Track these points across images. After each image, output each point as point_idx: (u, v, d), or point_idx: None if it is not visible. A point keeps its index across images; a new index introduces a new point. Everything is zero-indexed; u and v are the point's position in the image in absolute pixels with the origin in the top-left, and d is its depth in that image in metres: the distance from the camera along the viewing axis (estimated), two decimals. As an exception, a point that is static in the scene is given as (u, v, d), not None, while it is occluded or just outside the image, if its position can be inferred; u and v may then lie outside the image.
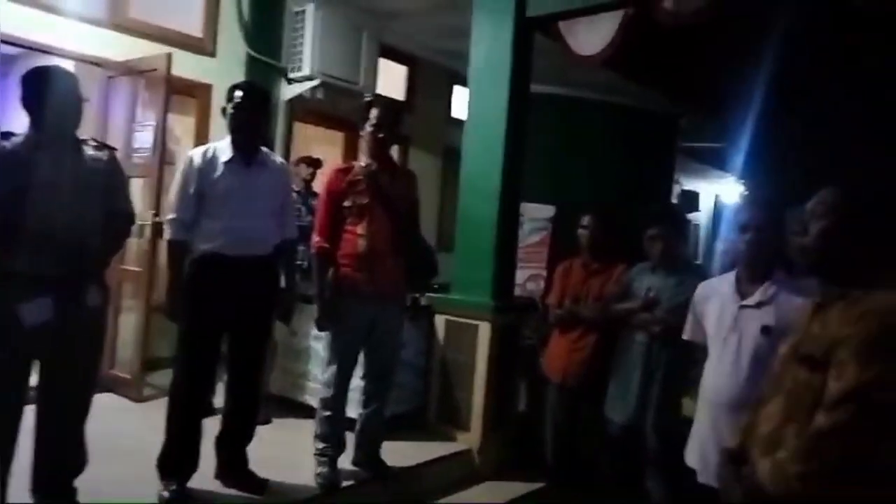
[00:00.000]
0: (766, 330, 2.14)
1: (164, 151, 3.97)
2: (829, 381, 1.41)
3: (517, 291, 5.70)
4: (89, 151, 2.36)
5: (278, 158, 2.95)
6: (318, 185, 4.31)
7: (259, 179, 2.76)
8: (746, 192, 6.91)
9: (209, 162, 2.71)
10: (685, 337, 2.52)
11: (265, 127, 2.85)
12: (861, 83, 5.02)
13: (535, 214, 6.46)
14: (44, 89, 2.23)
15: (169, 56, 3.91)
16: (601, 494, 3.24)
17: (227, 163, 2.71)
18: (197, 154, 2.74)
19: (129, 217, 2.55)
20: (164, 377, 3.45)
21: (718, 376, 2.24)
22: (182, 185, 2.69)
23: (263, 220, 2.75)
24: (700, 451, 2.25)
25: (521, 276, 6.18)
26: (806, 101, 5.45)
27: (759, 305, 2.20)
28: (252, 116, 2.74)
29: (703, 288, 2.47)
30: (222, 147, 2.75)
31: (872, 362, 1.36)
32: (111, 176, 2.42)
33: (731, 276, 2.35)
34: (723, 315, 2.28)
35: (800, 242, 1.58)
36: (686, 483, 2.38)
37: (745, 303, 2.23)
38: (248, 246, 2.68)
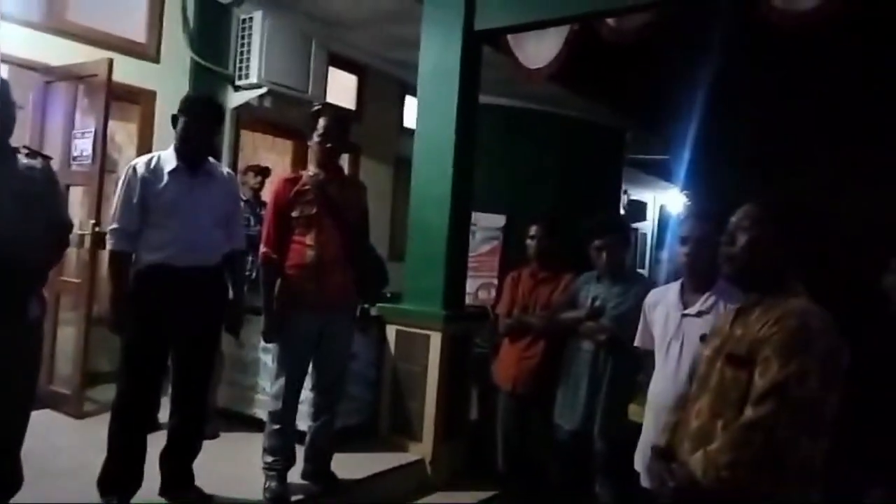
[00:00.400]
0: (704, 338, 2.22)
1: (105, 159, 3.85)
2: (755, 377, 1.53)
3: (469, 300, 5.77)
4: (23, 160, 2.27)
5: (224, 168, 2.91)
6: (267, 194, 4.27)
7: (205, 189, 2.72)
8: (689, 203, 7.15)
9: (153, 171, 2.65)
10: (636, 344, 2.60)
11: (213, 138, 2.79)
12: (797, 95, 5.28)
13: (487, 224, 6.54)
14: None
15: (110, 61, 3.80)
16: (552, 501, 3.28)
17: (171, 172, 2.66)
18: (140, 163, 2.68)
19: (67, 227, 2.47)
20: (105, 392, 3.34)
21: (662, 381, 2.34)
22: (125, 194, 2.62)
23: (210, 230, 2.71)
24: (640, 453, 2.32)
25: (472, 285, 6.24)
26: (743, 115, 5.69)
27: (699, 314, 2.31)
28: (204, 130, 2.70)
29: (652, 296, 2.55)
30: (166, 156, 2.70)
31: (791, 359, 1.48)
32: (46, 185, 2.34)
33: (677, 285, 2.45)
34: (667, 323, 2.37)
35: (727, 252, 1.70)
36: (634, 488, 2.44)
37: (686, 311, 2.34)
38: (194, 257, 2.63)
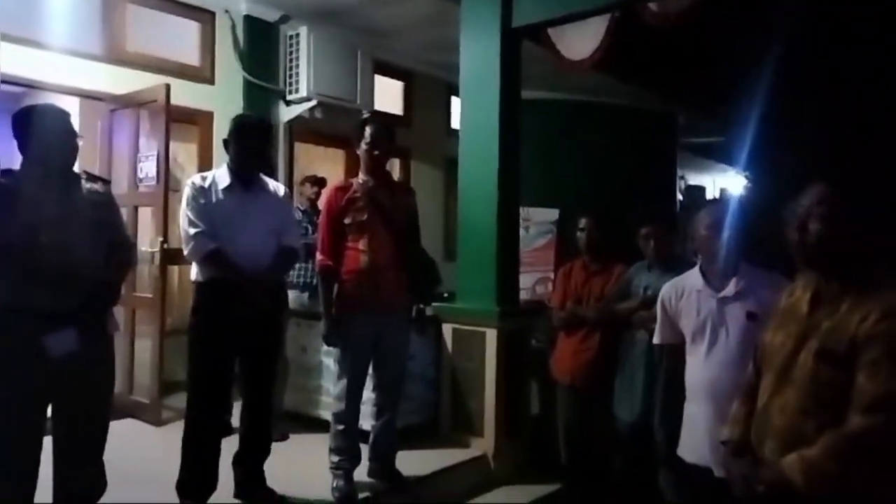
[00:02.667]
0: (751, 316, 2.21)
1: (169, 179, 4.06)
2: (861, 379, 1.43)
3: (527, 295, 5.78)
4: (85, 185, 2.41)
5: (275, 182, 3.02)
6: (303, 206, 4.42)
7: (258, 203, 2.84)
8: (749, 184, 6.92)
9: (209, 188, 2.79)
10: (655, 341, 2.56)
11: (265, 157, 2.93)
12: (855, 77, 5.04)
13: (540, 218, 6.52)
14: (34, 127, 2.28)
15: (167, 86, 4.01)
16: (615, 494, 3.26)
17: (226, 189, 2.80)
18: (197, 178, 2.84)
19: (130, 246, 2.61)
20: (181, 399, 3.51)
21: (714, 369, 2.26)
22: (192, 205, 2.76)
23: (265, 240, 2.81)
24: (708, 446, 2.24)
25: (529, 279, 6.24)
26: (802, 93, 5.47)
27: (737, 296, 2.27)
28: (254, 149, 2.84)
29: (670, 288, 2.49)
30: (220, 174, 2.84)
31: None
32: (108, 207, 2.48)
33: (695, 274, 2.40)
34: (701, 310, 2.32)
35: (799, 238, 1.59)
36: (690, 477, 2.40)
37: (723, 294, 2.28)
38: (252, 267, 2.73)
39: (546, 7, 3.75)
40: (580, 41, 3.85)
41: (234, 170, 2.83)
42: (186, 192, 2.79)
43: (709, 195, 12.09)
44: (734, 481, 1.68)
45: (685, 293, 2.40)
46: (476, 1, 3.94)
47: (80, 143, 2.44)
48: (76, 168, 2.45)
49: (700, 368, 2.31)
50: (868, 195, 1.57)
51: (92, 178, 2.50)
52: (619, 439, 3.14)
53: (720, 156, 9.53)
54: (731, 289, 2.28)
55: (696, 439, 2.32)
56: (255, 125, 2.93)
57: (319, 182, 4.62)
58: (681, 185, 10.10)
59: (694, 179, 11.47)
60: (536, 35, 3.97)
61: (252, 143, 2.83)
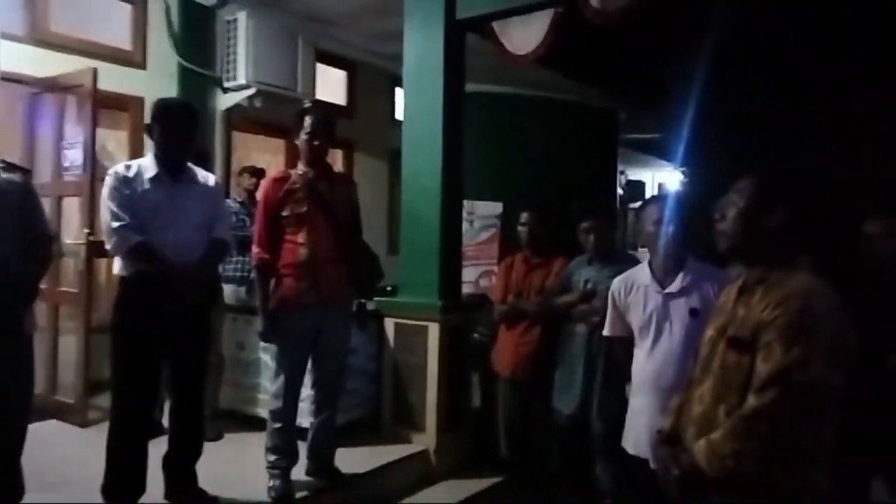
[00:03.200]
0: (694, 312, 2.27)
1: (96, 168, 3.86)
2: (758, 362, 1.48)
3: (470, 289, 5.79)
4: (2, 175, 2.27)
5: (205, 173, 2.89)
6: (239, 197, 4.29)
7: (188, 194, 2.72)
8: (686, 180, 7.13)
9: (134, 178, 2.65)
10: (605, 333, 2.60)
11: (193, 143, 2.78)
12: (787, 72, 5.23)
13: (484, 212, 6.54)
14: None
15: (94, 70, 3.80)
16: (554, 485, 3.30)
17: (152, 179, 2.66)
18: (120, 168, 2.68)
19: (50, 239, 2.46)
20: (109, 399, 3.36)
21: (657, 363, 2.32)
22: (115, 196, 2.60)
23: (194, 234, 2.70)
24: (644, 437, 2.30)
25: (473, 273, 6.26)
26: (738, 89, 5.64)
27: (682, 292, 2.33)
28: (180, 135, 2.68)
29: (620, 282, 2.54)
30: (146, 164, 2.70)
31: (794, 343, 1.43)
32: (26, 198, 2.34)
33: (644, 268, 2.46)
34: (647, 305, 2.38)
35: (719, 228, 1.66)
36: (632, 468, 2.45)
37: (668, 290, 2.35)
38: (180, 261, 2.61)
39: (489, 0, 3.73)
40: (524, 35, 3.86)
41: (160, 158, 2.69)
42: (108, 182, 2.63)
43: (648, 190, 12.41)
44: (658, 467, 1.73)
45: (634, 288, 2.45)
46: (419, -9, 3.90)
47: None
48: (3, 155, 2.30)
49: (645, 362, 2.36)
50: (787, 189, 1.62)
51: (9, 166, 2.34)
52: (558, 431, 3.17)
53: (659, 152, 9.78)
54: (676, 285, 2.33)
55: (638, 432, 2.37)
56: (180, 109, 2.75)
57: (258, 173, 4.49)
58: (621, 179, 10.34)
59: (634, 174, 11.75)
60: (481, 28, 3.95)
61: (177, 129, 2.67)
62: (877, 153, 4.95)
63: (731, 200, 1.64)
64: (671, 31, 4.54)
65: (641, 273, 2.46)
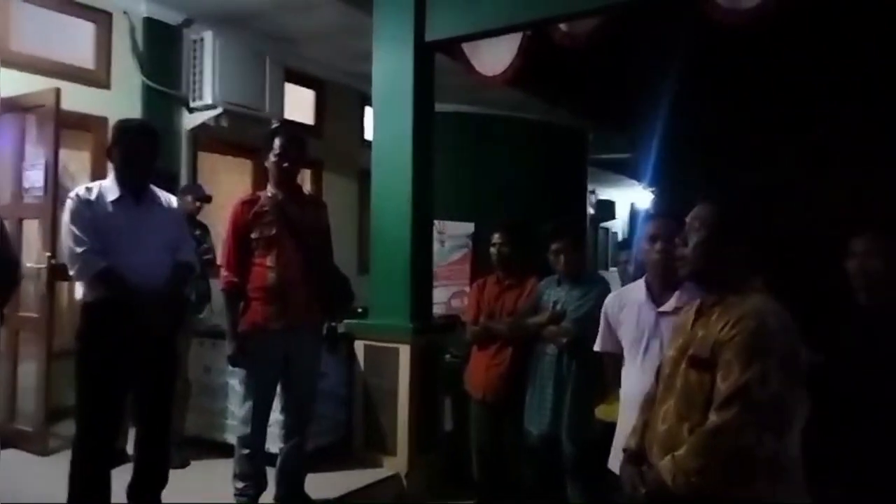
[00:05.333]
0: None
1: (58, 190, 3.77)
2: (717, 381, 1.53)
3: (442, 309, 5.77)
4: None
5: (168, 195, 2.84)
6: (205, 217, 4.16)
7: (150, 216, 2.67)
8: (654, 199, 7.25)
9: (96, 200, 2.59)
10: (597, 349, 2.57)
11: (154, 165, 2.73)
12: (755, 89, 5.38)
13: (455, 232, 6.54)
14: None
15: (57, 90, 3.74)
16: (526, 506, 3.28)
17: (115, 202, 2.61)
18: (81, 191, 2.62)
19: (14, 264, 2.40)
20: (70, 427, 3.26)
21: (644, 382, 2.28)
22: (77, 220, 2.55)
23: (159, 256, 2.65)
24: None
25: (445, 293, 6.24)
26: (704, 109, 5.78)
27: (676, 311, 2.24)
28: (141, 157, 2.64)
29: (614, 299, 2.53)
30: (107, 186, 2.65)
31: (752, 361, 1.49)
32: None
33: (640, 285, 2.43)
34: (640, 323, 2.35)
35: (680, 253, 1.72)
36: (605, 488, 2.44)
37: (662, 309, 2.31)
38: (144, 284, 2.56)
39: (459, 23, 3.77)
40: (493, 57, 3.90)
41: (121, 180, 2.63)
42: (70, 205, 2.57)
43: (618, 209, 12.60)
44: (625, 485, 1.76)
45: (627, 304, 2.42)
46: (389, 13, 3.91)
47: None
48: None
49: (633, 380, 2.33)
50: (743, 213, 1.69)
51: None
52: (530, 452, 3.16)
53: (629, 171, 9.93)
54: (671, 304, 2.29)
55: (615, 450, 2.34)
56: (140, 130, 2.71)
57: (203, 199, 4.14)
58: (591, 199, 10.48)
59: (604, 194, 11.93)
60: (450, 49, 3.99)
61: (138, 151, 2.62)
62: (842, 169, 5.08)
63: (691, 227, 1.70)
64: (638, 53, 4.63)
65: (636, 290, 2.43)
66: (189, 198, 4.16)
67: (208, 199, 4.11)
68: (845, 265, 2.35)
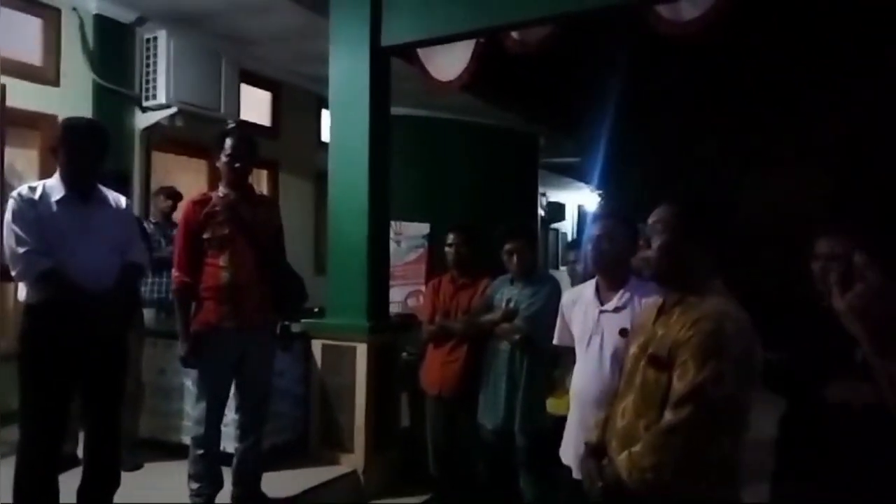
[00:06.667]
0: (624, 332, 2.28)
1: (4, 188, 3.68)
2: (674, 380, 1.58)
3: (399, 308, 5.83)
4: None
5: (116, 194, 2.78)
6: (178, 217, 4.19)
7: (98, 217, 2.62)
8: (601, 201, 7.47)
9: (40, 199, 2.53)
10: (555, 342, 2.66)
11: (101, 164, 2.67)
12: (700, 94, 5.61)
13: (411, 232, 6.63)
14: None
15: (3, 87, 3.65)
16: (481, 499, 3.36)
17: (59, 201, 2.55)
18: (24, 190, 2.56)
19: None
20: (16, 432, 3.19)
21: (584, 376, 2.40)
22: (20, 219, 2.48)
23: (106, 257, 2.60)
24: (572, 448, 2.38)
25: (401, 293, 6.31)
26: (649, 115, 6.00)
27: (616, 310, 2.38)
28: (88, 156, 2.58)
29: (569, 295, 2.64)
30: (52, 185, 2.58)
31: (707, 362, 1.54)
32: None
33: (592, 284, 2.53)
34: (586, 320, 2.44)
35: (644, 255, 1.80)
36: (557, 480, 2.54)
37: (604, 308, 2.41)
38: (91, 285, 2.51)
39: (413, 29, 3.84)
40: (448, 63, 3.99)
41: (66, 179, 2.58)
42: (12, 204, 2.50)
43: (567, 211, 12.86)
44: (584, 479, 1.82)
45: (578, 301, 2.52)
46: (345, 18, 3.96)
47: None
48: None
49: (576, 374, 2.44)
50: (700, 214, 1.73)
51: None
52: (484, 446, 3.25)
53: (577, 174, 10.18)
54: (612, 303, 2.39)
55: (567, 442, 2.44)
56: (86, 129, 2.65)
57: (174, 195, 4.39)
58: (542, 201, 10.70)
59: (554, 196, 12.17)
60: (406, 54, 4.06)
61: (84, 150, 2.57)
62: (791, 171, 5.33)
63: (654, 229, 1.74)
64: (587, 60, 4.80)
65: (588, 288, 2.51)
66: (162, 197, 4.23)
67: (179, 197, 4.25)
68: (810, 266, 2.35)
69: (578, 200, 13.00)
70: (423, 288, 6.31)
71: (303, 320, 3.91)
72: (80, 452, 2.90)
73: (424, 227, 6.60)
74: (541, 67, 4.49)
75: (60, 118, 4.33)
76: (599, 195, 7.72)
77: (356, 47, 3.90)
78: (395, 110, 4.19)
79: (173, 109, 4.75)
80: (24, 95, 4.11)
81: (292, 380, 3.88)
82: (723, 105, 5.63)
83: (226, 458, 3.11)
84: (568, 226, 13.47)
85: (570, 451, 2.40)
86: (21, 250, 2.45)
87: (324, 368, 3.91)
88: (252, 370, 3.02)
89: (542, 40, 3.69)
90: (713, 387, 1.51)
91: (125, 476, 2.84)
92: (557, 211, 12.06)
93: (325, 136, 6.57)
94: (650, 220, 1.75)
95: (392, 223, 4.49)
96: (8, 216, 2.50)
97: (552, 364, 2.86)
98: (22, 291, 2.57)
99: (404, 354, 4.14)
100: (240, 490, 3.10)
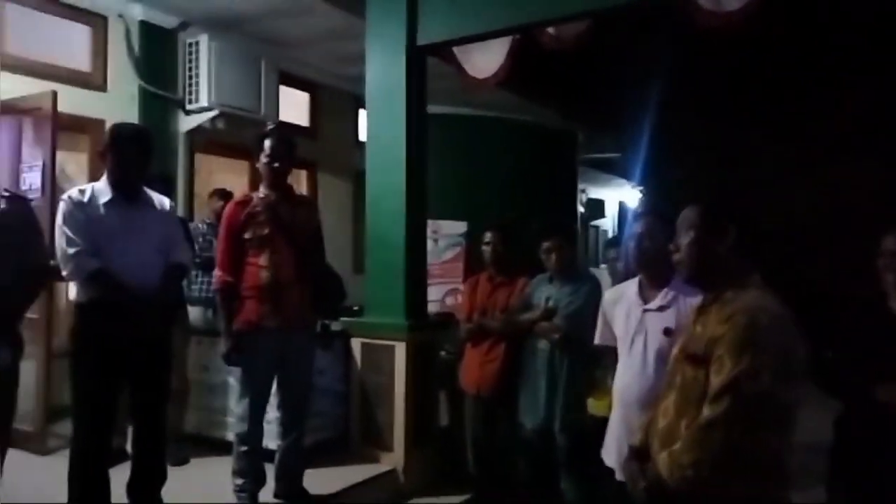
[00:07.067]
0: (668, 331, 2.26)
1: (56, 192, 3.81)
2: (711, 376, 1.57)
3: (437, 307, 5.84)
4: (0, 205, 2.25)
5: (161, 197, 2.88)
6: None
7: (143, 219, 2.71)
8: (643, 198, 7.35)
9: (89, 202, 2.63)
10: (596, 342, 2.62)
11: (146, 168, 2.77)
12: (742, 89, 5.47)
13: (449, 231, 6.62)
14: None
15: (54, 93, 3.79)
16: (521, 500, 3.34)
17: (107, 204, 2.64)
18: (74, 193, 2.66)
19: (42, 272, 2.43)
20: (70, 426, 3.31)
21: (627, 376, 2.36)
22: (69, 220, 2.58)
23: (151, 258, 2.69)
24: (615, 449, 2.34)
25: (439, 291, 6.31)
26: (691, 109, 5.87)
27: (660, 309, 2.32)
28: (134, 160, 2.67)
29: (611, 293, 2.59)
30: (100, 188, 2.68)
31: (742, 356, 1.52)
32: (20, 229, 2.33)
33: (635, 282, 2.47)
34: (629, 319, 2.39)
35: (676, 258, 1.77)
36: (599, 481, 2.50)
37: (647, 307, 2.35)
38: (137, 285, 2.59)
39: (449, 27, 3.84)
40: (484, 60, 3.97)
41: (113, 182, 2.67)
42: (62, 207, 2.61)
43: (608, 208, 12.70)
44: (627, 481, 1.80)
45: (620, 300, 2.47)
46: (381, 18, 3.98)
47: None
48: None
49: (619, 374, 2.39)
50: (732, 214, 1.73)
51: (12, 196, 2.34)
52: (524, 446, 3.23)
53: (618, 170, 10.04)
54: (655, 302, 2.34)
55: (609, 443, 2.41)
56: (132, 134, 2.74)
57: (226, 196, 4.48)
58: (582, 198, 10.57)
59: (594, 193, 12.03)
60: (442, 53, 4.06)
61: (130, 154, 2.65)
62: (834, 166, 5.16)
63: (681, 231, 1.74)
64: (626, 54, 4.72)
65: (631, 286, 2.46)
66: (215, 198, 4.41)
67: (230, 197, 4.30)
68: (869, 262, 2.30)
69: (619, 197, 12.82)
70: (461, 286, 6.29)
71: (342, 319, 3.94)
72: (129, 447, 3.00)
73: (462, 226, 6.59)
74: (579, 63, 4.43)
75: (108, 122, 4.48)
76: (641, 191, 7.60)
77: (392, 47, 3.91)
78: (432, 109, 4.20)
79: (215, 112, 4.86)
80: (74, 101, 4.25)
81: (333, 378, 3.93)
82: (768, 98, 5.47)
83: (268, 455, 3.16)
84: (609, 223, 13.30)
85: (612, 452, 2.36)
86: (71, 251, 2.54)
87: (363, 367, 3.94)
88: (293, 368, 3.07)
89: (579, 35, 3.65)
90: (749, 380, 1.50)
91: (172, 471, 2.93)
92: (597, 208, 11.93)
93: (363, 135, 6.67)
94: (678, 223, 1.76)
95: (429, 222, 4.50)
96: (59, 219, 2.61)
97: (593, 364, 2.82)
98: (73, 291, 2.66)
99: (443, 353, 4.14)
100: (282, 486, 3.15)
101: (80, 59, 4.54)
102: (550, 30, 3.66)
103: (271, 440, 3.23)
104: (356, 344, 3.97)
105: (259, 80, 5.10)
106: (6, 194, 2.33)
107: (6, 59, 4.12)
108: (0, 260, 2.19)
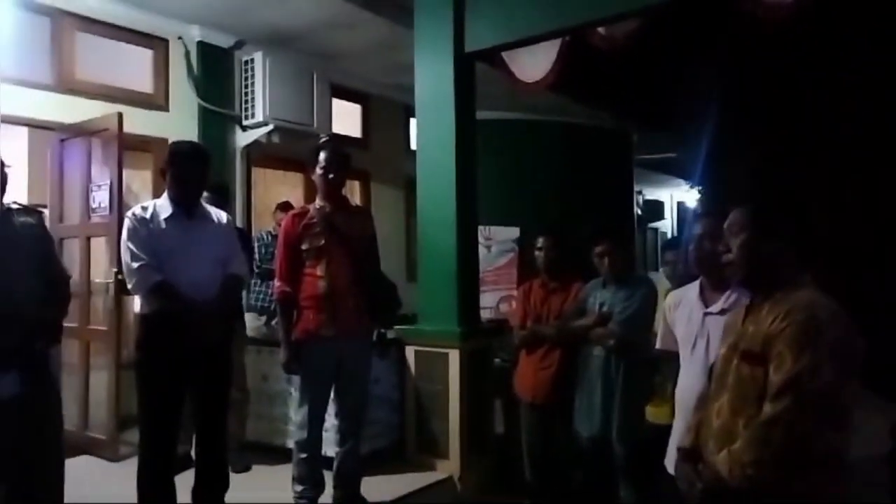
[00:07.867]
0: None
1: (122, 209, 3.98)
2: (770, 373, 1.55)
3: (491, 313, 5.82)
4: (18, 218, 2.33)
5: (218, 211, 2.97)
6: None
7: (202, 232, 2.80)
8: (701, 199, 7.13)
9: (151, 218, 2.74)
10: (658, 346, 2.57)
11: (204, 183, 2.89)
12: (801, 88, 5.26)
13: (502, 237, 6.59)
14: None
15: (120, 115, 3.96)
16: (579, 509, 3.28)
17: (168, 219, 2.75)
18: (138, 209, 2.78)
19: (66, 281, 2.54)
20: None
21: (689, 381, 2.29)
22: (135, 238, 2.69)
23: (211, 270, 2.77)
24: (670, 455, 2.27)
25: (493, 298, 6.29)
26: (750, 109, 5.67)
27: (722, 312, 2.25)
28: (193, 176, 2.78)
29: (673, 297, 2.53)
30: (162, 204, 2.79)
31: (803, 352, 1.50)
32: (42, 241, 2.40)
33: (696, 285, 2.41)
34: (691, 322, 2.34)
35: (727, 260, 1.75)
36: (659, 489, 2.43)
37: (709, 310, 2.29)
38: (197, 295, 2.68)
39: (497, 32, 3.83)
40: (533, 63, 3.94)
41: (173, 198, 2.78)
42: (127, 223, 2.73)
43: (667, 209, 12.39)
44: (681, 484, 1.77)
45: (682, 303, 2.41)
46: (428, 26, 4.01)
47: (8, 171, 2.37)
48: (6, 199, 2.37)
49: (682, 378, 2.33)
50: (775, 212, 1.71)
51: (23, 209, 2.41)
52: (581, 454, 3.17)
53: (675, 171, 9.78)
54: (717, 305, 2.28)
55: (671, 451, 2.33)
56: (190, 151, 2.85)
57: (290, 209, 4.57)
58: (638, 199, 10.35)
59: (651, 194, 11.75)
60: (490, 58, 4.05)
61: (189, 171, 2.77)
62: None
63: (730, 234, 1.73)
64: (678, 52, 4.60)
65: (692, 289, 2.41)
66: (278, 211, 4.53)
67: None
68: None
69: (678, 198, 12.49)
70: (514, 292, 6.26)
71: (396, 327, 3.97)
72: (193, 454, 3.09)
73: (514, 231, 6.55)
74: (630, 62, 4.34)
75: (170, 141, 4.66)
76: (700, 192, 7.37)
77: (440, 54, 3.93)
78: (481, 114, 4.19)
79: (270, 127, 4.99)
80: (138, 121, 4.44)
81: (388, 386, 3.95)
82: (829, 97, 5.24)
83: (328, 462, 3.20)
84: (667, 225, 12.98)
85: (669, 457, 2.29)
86: (135, 265, 2.65)
87: (417, 374, 3.95)
88: (350, 376, 3.10)
89: (630, 34, 3.57)
90: (811, 376, 1.48)
91: (235, 478, 3.00)
92: (655, 209, 11.65)
93: (413, 144, 6.72)
94: (725, 225, 1.74)
95: (481, 228, 4.49)
96: (124, 234, 2.73)
97: (651, 370, 2.74)
98: (138, 304, 2.77)
99: (497, 360, 4.11)
100: (340, 493, 3.18)
101: (143, 81, 4.75)
102: (600, 30, 3.60)
103: (329, 447, 3.27)
104: (410, 352, 3.98)
105: (312, 94, 5.21)
106: (17, 206, 2.39)
107: (76, 85, 4.34)
108: (30, 271, 2.26)
